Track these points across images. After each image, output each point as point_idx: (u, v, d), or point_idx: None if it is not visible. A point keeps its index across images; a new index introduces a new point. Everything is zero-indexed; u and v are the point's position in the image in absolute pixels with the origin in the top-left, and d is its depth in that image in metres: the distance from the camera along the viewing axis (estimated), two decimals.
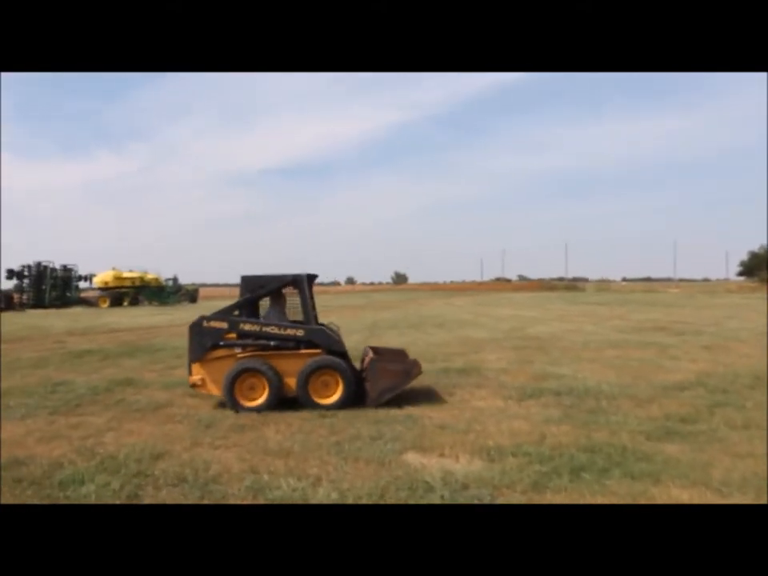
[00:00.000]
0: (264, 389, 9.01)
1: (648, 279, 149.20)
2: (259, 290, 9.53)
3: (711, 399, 9.24)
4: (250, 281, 9.52)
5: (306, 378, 8.93)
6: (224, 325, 9.31)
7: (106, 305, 53.18)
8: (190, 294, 62.12)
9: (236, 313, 9.56)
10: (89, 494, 5.56)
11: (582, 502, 5.23)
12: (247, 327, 9.24)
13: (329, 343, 9.23)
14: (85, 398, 10.08)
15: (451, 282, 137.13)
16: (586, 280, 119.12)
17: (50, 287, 54.75)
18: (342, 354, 9.30)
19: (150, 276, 60.76)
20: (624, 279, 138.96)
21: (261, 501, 5.38)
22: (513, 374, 12.08)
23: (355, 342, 18.53)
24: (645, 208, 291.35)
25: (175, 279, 63.42)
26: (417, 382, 11.08)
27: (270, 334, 9.20)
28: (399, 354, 10.56)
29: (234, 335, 9.32)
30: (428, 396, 9.92)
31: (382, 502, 5.27)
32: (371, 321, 28.83)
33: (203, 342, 9.33)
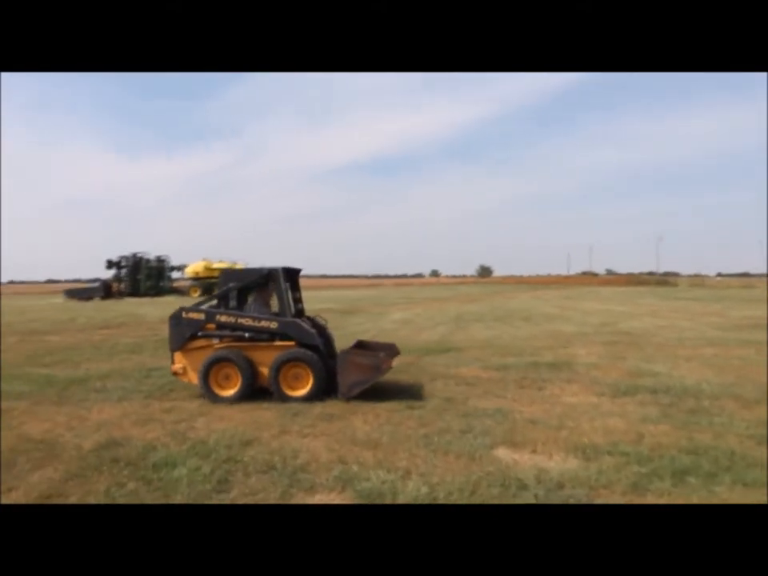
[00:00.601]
0: (238, 379, 9.12)
1: (745, 275, 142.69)
2: (237, 283, 9.67)
3: None
4: (230, 274, 9.81)
5: (277, 369, 8.99)
6: (201, 316, 9.49)
7: (196, 294, 54.74)
8: None
9: (213, 303, 9.78)
10: (180, 477, 5.63)
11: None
12: (223, 319, 9.39)
13: (301, 336, 9.21)
14: (177, 383, 10.30)
15: (537, 275, 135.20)
16: (677, 275, 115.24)
17: (144, 277, 56.91)
18: (314, 347, 9.23)
19: (238, 266, 62.14)
20: (719, 274, 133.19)
21: (350, 492, 5.32)
22: (604, 369, 11.68)
23: (440, 335, 18.46)
24: (741, 200, 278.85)
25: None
26: (504, 376, 10.89)
27: (245, 325, 9.33)
28: (387, 349, 10.44)
29: (212, 326, 9.47)
30: (516, 390, 9.67)
31: (473, 498, 5.12)
32: (456, 313, 28.61)
33: (182, 332, 9.55)
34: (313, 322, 9.98)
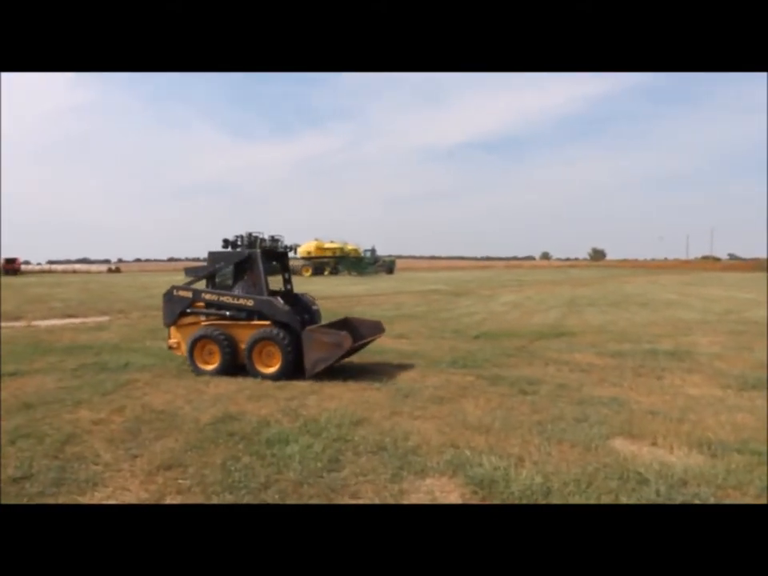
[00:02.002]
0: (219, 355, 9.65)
1: None
2: (223, 264, 10.25)
3: None
4: (215, 255, 10.27)
5: (250, 348, 9.46)
6: (189, 294, 10.11)
7: (308, 273, 56.11)
8: (387, 266, 63.72)
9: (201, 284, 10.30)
10: (293, 454, 5.72)
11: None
12: (207, 297, 10.07)
13: (273, 313, 9.55)
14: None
15: (653, 259, 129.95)
16: None
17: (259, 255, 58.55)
18: (285, 325, 9.46)
19: (349, 247, 63.04)
20: None
21: (461, 478, 5.23)
22: (729, 360, 11.04)
23: (553, 319, 18.03)
24: None
25: (373, 251, 65.20)
26: (620, 363, 10.49)
27: (225, 303, 9.92)
28: (370, 327, 10.88)
29: (202, 304, 10.13)
30: (634, 378, 9.28)
31: (590, 490, 4.92)
32: (569, 297, 27.91)
33: (173, 308, 10.27)
34: (298, 299, 10.51)
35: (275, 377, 9.24)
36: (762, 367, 10.26)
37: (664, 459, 5.65)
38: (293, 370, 9.34)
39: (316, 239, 61.15)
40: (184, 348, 10.09)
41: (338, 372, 9.58)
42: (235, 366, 9.62)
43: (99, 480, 5.23)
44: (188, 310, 10.21)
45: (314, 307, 10.47)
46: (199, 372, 9.66)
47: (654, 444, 6.12)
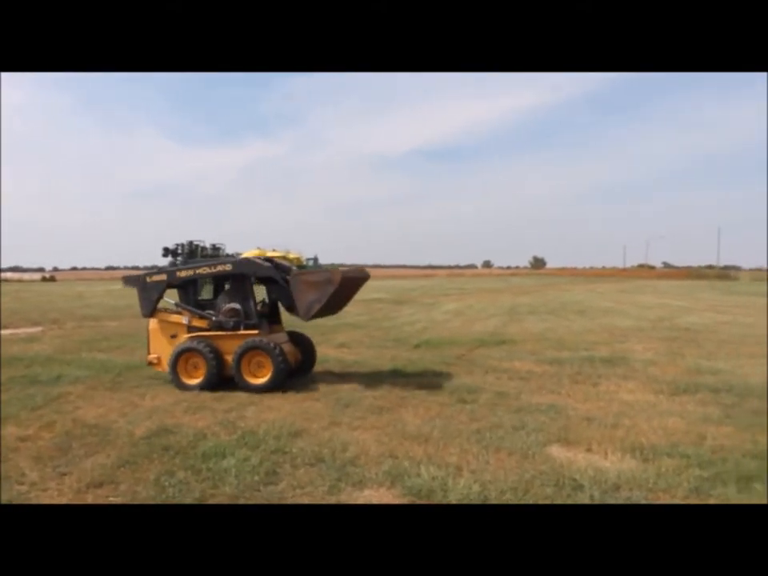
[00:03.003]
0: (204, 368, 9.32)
1: None
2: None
3: None
4: (200, 269, 9.83)
5: (238, 359, 9.16)
6: (163, 277, 9.83)
7: None
8: None
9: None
10: (230, 467, 5.62)
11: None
12: (183, 274, 9.73)
13: (255, 270, 9.53)
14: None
15: (591, 267, 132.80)
16: (739, 268, 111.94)
17: None
18: (271, 279, 9.59)
19: (292, 255, 62.21)
20: None
21: (398, 488, 5.22)
22: (662, 366, 11.34)
23: (493, 327, 18.24)
24: None
25: (316, 259, 63.99)
26: (558, 371, 10.66)
27: (204, 274, 9.63)
28: (356, 271, 10.73)
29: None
30: (571, 385, 9.44)
31: (526, 498, 4.97)
32: (509, 305, 28.29)
33: (150, 296, 9.86)
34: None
35: (266, 388, 8.98)
36: (692, 373, 10.57)
37: (598, 465, 5.75)
38: (285, 378, 9.16)
39: (258, 248, 60.28)
40: (165, 363, 9.66)
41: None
42: (222, 378, 9.31)
43: (23, 501, 5.03)
44: (172, 303, 9.90)
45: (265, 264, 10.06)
46: (183, 387, 9.27)
47: (589, 450, 6.23)
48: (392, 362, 11.68)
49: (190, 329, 9.74)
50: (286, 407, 8.02)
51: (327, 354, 12.43)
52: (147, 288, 9.90)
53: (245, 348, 9.15)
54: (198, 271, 9.64)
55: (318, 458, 5.92)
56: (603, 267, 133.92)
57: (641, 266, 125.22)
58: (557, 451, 6.17)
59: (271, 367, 9.07)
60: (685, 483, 5.26)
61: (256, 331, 9.43)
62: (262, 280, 9.61)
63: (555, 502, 4.90)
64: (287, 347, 9.72)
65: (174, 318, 9.91)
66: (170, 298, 9.98)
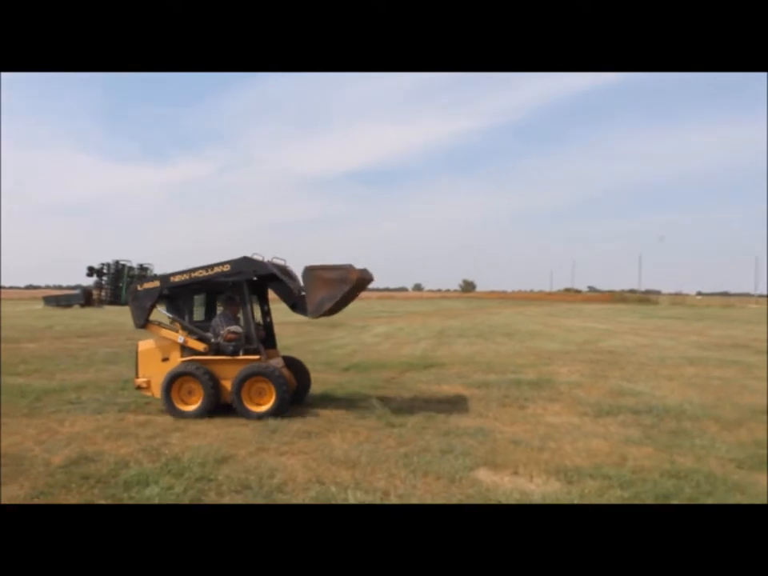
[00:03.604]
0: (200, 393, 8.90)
1: (725, 294, 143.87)
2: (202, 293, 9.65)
3: None
4: (193, 284, 9.38)
5: (238, 386, 8.77)
6: (156, 284, 9.32)
7: None
8: None
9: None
10: (152, 496, 5.45)
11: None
12: (177, 279, 9.20)
13: (255, 268, 9.03)
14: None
15: (519, 291, 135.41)
16: (659, 293, 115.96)
17: (126, 285, 56.13)
18: (272, 276, 9.13)
19: None
20: (699, 293, 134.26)
21: None
22: (587, 388, 11.62)
23: (422, 350, 18.35)
24: (723, 220, 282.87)
25: None
26: (486, 394, 10.79)
27: (200, 278, 9.11)
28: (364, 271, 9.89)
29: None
30: (498, 408, 9.56)
31: None
32: (439, 328, 28.51)
33: (142, 304, 9.35)
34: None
35: (268, 415, 8.60)
36: (615, 395, 10.86)
37: (524, 488, 5.82)
38: (287, 406, 8.84)
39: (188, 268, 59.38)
40: (155, 388, 9.18)
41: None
42: (218, 405, 8.90)
43: None
44: (157, 307, 9.37)
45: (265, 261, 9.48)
46: (177, 414, 8.82)
47: (516, 473, 6.29)
48: (321, 385, 11.58)
49: (184, 350, 9.24)
50: (212, 433, 7.85)
51: None
52: (139, 297, 9.38)
53: (247, 374, 8.78)
54: (193, 275, 9.12)
55: (245, 485, 5.80)
56: (531, 291, 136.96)
57: (567, 290, 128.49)
58: (484, 474, 6.22)
59: (273, 394, 8.74)
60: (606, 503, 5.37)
61: (257, 356, 9.05)
62: (262, 279, 9.16)
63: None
64: (285, 372, 9.40)
65: (166, 333, 9.39)
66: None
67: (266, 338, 9.92)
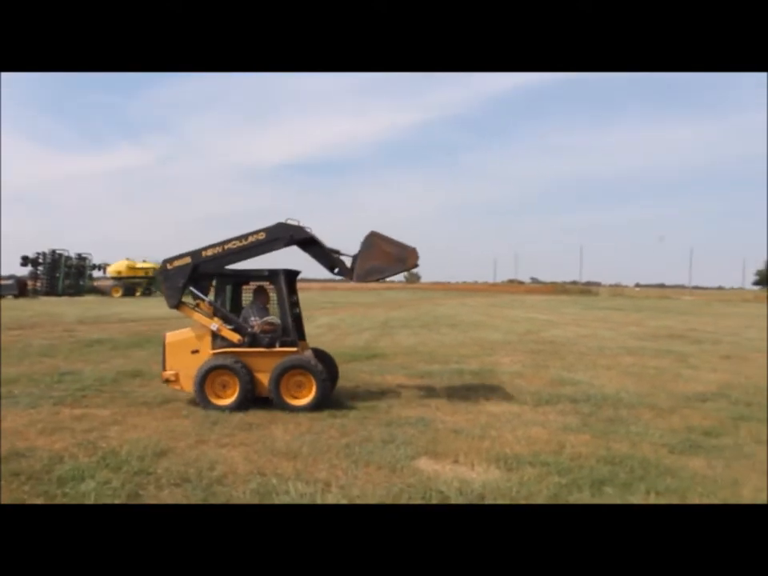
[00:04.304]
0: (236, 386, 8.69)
1: (662, 285, 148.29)
2: (234, 284, 9.40)
3: (735, 411, 8.92)
4: (225, 275, 9.18)
5: (277, 379, 8.58)
6: (187, 260, 8.93)
7: (118, 294, 53.27)
8: None
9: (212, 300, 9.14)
10: (88, 491, 5.32)
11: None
12: (210, 252, 8.88)
13: (292, 233, 8.81)
14: (91, 389, 9.91)
15: (464, 282, 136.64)
16: (599, 284, 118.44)
17: (63, 275, 54.88)
18: (310, 240, 8.93)
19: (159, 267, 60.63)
20: (637, 285, 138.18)
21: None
22: (528, 378, 11.80)
23: (365, 341, 18.36)
24: (660, 215, 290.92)
25: None
26: (428, 383, 10.87)
27: (233, 249, 8.83)
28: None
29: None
30: (441, 398, 9.63)
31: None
32: (383, 319, 28.56)
33: (174, 283, 8.97)
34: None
35: (307, 409, 8.45)
36: (555, 384, 11.08)
37: (464, 476, 5.88)
38: (327, 399, 8.72)
39: (127, 258, 58.23)
40: (184, 381, 8.90)
41: (148, 399, 9.18)
42: (253, 398, 8.69)
43: None
44: (191, 288, 8.95)
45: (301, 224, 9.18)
46: (211, 407, 8.54)
47: (456, 462, 6.36)
48: None
49: (216, 340, 8.93)
50: (151, 425, 7.71)
51: None
52: (170, 276, 8.94)
53: (286, 367, 8.58)
54: (227, 246, 8.77)
55: (184, 478, 5.71)
56: (475, 282, 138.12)
57: (511, 281, 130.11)
58: (425, 464, 6.26)
59: (313, 387, 8.58)
60: (545, 490, 5.46)
61: (294, 348, 8.86)
62: (300, 245, 8.86)
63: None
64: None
65: (200, 317, 9.01)
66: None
67: (298, 329, 9.66)
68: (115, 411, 8.47)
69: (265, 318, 9.07)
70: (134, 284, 56.50)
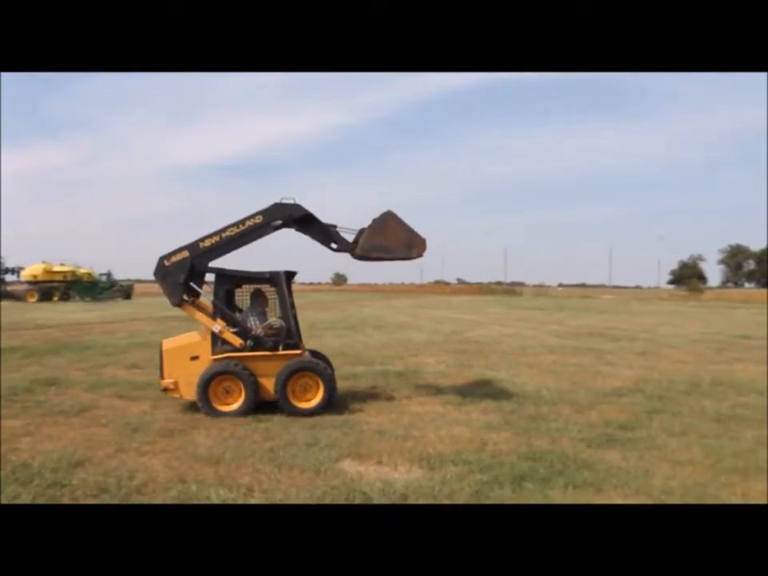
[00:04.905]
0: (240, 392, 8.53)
1: (583, 285, 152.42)
2: (234, 286, 9.22)
3: (648, 405, 9.28)
4: (225, 276, 8.96)
5: (283, 382, 8.48)
6: (185, 254, 8.68)
7: (34, 299, 51.21)
8: (125, 291, 60.11)
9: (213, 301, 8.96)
10: None
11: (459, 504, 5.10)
12: (207, 243, 8.68)
13: (289, 211, 8.70)
14: (2, 399, 9.50)
15: (390, 284, 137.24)
16: (523, 285, 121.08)
17: None
18: (307, 218, 8.82)
19: (82, 270, 58.65)
20: (560, 285, 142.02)
21: None
22: (452, 377, 11.97)
23: None
24: (582, 217, 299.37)
25: (109, 274, 61.26)
26: (354, 385, 10.89)
27: (232, 236, 8.67)
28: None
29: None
30: (365, 400, 9.66)
31: None
32: (310, 321, 28.34)
33: (175, 279, 8.66)
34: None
35: (315, 412, 8.36)
36: (478, 383, 11.27)
37: (388, 477, 5.92)
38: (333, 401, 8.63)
39: (44, 262, 56.14)
40: (184, 389, 8.63)
41: (65, 408, 8.87)
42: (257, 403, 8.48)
43: None
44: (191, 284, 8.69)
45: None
46: (216, 414, 8.28)
47: (380, 462, 6.40)
48: None
49: (216, 344, 8.68)
50: (68, 435, 7.45)
51: (117, 376, 11.82)
52: (169, 272, 8.62)
53: (292, 370, 8.42)
54: (224, 235, 8.55)
55: (102, 489, 5.55)
56: (402, 283, 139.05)
57: (437, 282, 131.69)
58: (348, 465, 6.28)
59: (321, 389, 8.49)
60: (467, 488, 5.56)
61: (299, 351, 8.71)
62: (299, 223, 8.70)
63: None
64: None
65: (202, 317, 8.75)
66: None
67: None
68: (28, 422, 8.14)
69: (269, 321, 8.97)
70: (51, 288, 54.45)
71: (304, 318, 30.64)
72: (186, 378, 8.71)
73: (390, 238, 8.70)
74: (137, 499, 5.32)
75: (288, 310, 8.88)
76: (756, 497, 5.43)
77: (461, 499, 5.33)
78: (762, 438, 7.39)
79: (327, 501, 5.27)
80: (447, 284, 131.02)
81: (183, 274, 8.66)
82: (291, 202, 8.79)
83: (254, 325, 8.93)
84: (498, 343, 18.39)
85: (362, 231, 8.95)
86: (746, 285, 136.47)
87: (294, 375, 8.52)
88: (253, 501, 5.27)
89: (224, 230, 8.67)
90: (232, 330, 8.77)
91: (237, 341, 8.69)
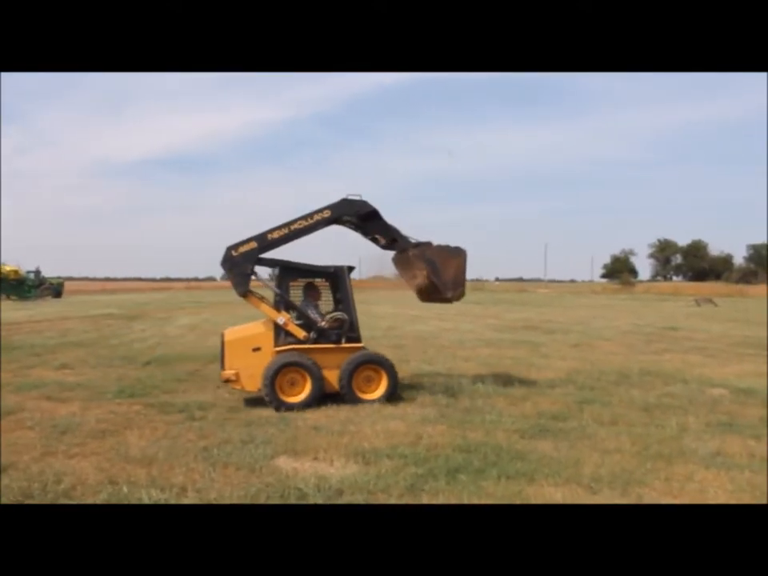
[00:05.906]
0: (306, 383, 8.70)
1: (520, 279, 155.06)
2: (297, 279, 9.42)
3: (580, 396, 9.53)
4: (290, 269, 9.18)
5: (349, 375, 8.75)
6: (253, 245, 8.75)
7: None
8: (55, 288, 58.33)
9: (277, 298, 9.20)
10: None
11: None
12: (275, 235, 8.81)
13: (356, 208, 9.01)
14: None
15: None
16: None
17: None
18: (373, 214, 9.11)
19: (7, 268, 56.42)
20: (497, 279, 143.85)
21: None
22: None
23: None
24: (519, 212, 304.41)
25: (37, 272, 59.27)
26: None
27: (300, 228, 8.86)
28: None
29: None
30: None
31: None
32: (247, 317, 28.09)
33: (242, 270, 8.79)
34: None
35: (381, 401, 8.77)
36: (415, 377, 11.39)
37: (323, 472, 5.91)
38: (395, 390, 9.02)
39: None
40: (246, 381, 8.66)
41: None
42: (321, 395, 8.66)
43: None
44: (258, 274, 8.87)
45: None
46: (282, 406, 8.32)
47: (316, 458, 6.38)
48: (119, 381, 11.01)
49: (279, 337, 8.80)
50: None
51: (45, 378, 11.45)
52: (236, 262, 8.70)
53: (358, 362, 8.64)
54: (293, 227, 8.69)
55: (26, 495, 5.35)
56: None
57: (375, 277, 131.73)
58: (284, 462, 6.25)
59: (385, 381, 8.72)
60: (401, 482, 5.59)
61: (361, 344, 8.85)
62: (364, 219, 9.00)
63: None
64: None
65: (267, 308, 8.91)
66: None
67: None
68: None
69: (333, 314, 9.12)
70: None
71: (240, 315, 30.35)
72: (247, 369, 8.77)
73: (448, 270, 9.29)
74: (64, 503, 5.17)
75: (350, 303, 9.09)
76: (679, 480, 5.65)
77: (395, 492, 5.36)
78: (685, 425, 7.67)
79: (262, 498, 5.23)
80: (387, 279, 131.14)
81: (251, 264, 8.80)
82: (358, 198, 9.05)
83: (317, 317, 9.04)
84: (435, 338, 18.56)
85: (426, 243, 9.42)
86: (674, 278, 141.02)
87: (360, 367, 8.78)
88: (186, 501, 5.19)
89: (292, 222, 8.86)
90: (296, 322, 8.90)
91: (300, 333, 8.84)
